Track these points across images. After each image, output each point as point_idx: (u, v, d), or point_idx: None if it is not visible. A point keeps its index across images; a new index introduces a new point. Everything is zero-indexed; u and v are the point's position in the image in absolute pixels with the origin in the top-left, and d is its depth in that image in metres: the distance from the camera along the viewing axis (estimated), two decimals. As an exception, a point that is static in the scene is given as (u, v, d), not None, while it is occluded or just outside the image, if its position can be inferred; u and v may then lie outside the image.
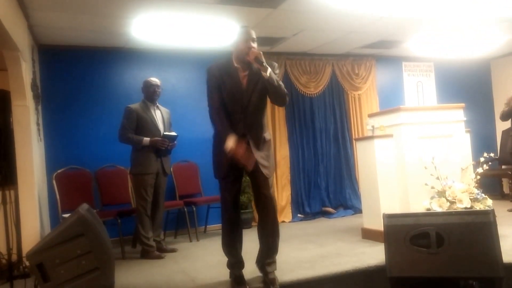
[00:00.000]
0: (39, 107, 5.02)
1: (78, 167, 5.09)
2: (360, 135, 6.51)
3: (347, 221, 5.97)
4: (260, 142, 3.24)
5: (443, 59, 7.29)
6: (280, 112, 6.42)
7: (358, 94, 6.91)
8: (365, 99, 6.94)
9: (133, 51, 5.69)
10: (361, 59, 6.95)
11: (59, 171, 4.89)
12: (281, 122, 6.46)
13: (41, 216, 4.46)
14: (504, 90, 7.32)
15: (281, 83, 3.17)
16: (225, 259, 4.13)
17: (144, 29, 4.96)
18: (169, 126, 4.71)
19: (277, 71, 3.27)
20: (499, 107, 7.62)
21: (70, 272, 2.88)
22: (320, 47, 6.35)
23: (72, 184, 4.87)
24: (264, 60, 3.05)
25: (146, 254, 4.43)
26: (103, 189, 5.09)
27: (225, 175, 3.28)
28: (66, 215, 3.79)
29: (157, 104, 4.69)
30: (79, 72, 5.48)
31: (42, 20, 4.57)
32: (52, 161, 5.14)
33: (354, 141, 6.47)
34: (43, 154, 5.13)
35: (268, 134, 3.35)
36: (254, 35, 3.18)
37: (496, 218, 3.10)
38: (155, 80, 4.64)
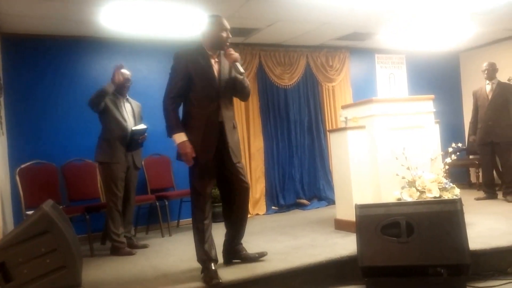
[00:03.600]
0: (1, 99, 4.82)
1: (43, 161, 4.91)
2: (334, 127, 6.54)
3: (321, 212, 5.99)
4: (232, 129, 3.34)
5: (414, 52, 7.38)
6: (254, 104, 6.38)
7: (332, 86, 6.92)
8: (339, 91, 6.96)
9: (102, 40, 5.54)
10: (335, 51, 6.96)
11: (22, 165, 4.68)
12: (255, 114, 6.42)
13: (3, 213, 4.27)
14: (472, 82, 7.46)
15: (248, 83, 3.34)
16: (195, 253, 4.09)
17: (114, 18, 4.83)
18: (139, 120, 4.60)
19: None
20: (467, 99, 7.78)
21: (34, 271, 2.78)
22: (295, 39, 6.32)
23: (36, 179, 4.69)
24: (241, 68, 3.20)
25: (116, 251, 4.31)
26: (70, 184, 4.93)
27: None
28: (30, 212, 3.67)
29: (127, 97, 4.56)
30: (45, 62, 5.29)
31: (4, 8, 4.38)
32: (15, 155, 4.96)
33: (327, 132, 6.49)
34: (6, 148, 4.94)
35: (235, 122, 3.46)
36: (228, 26, 3.24)
37: (464, 207, 3.16)
38: (125, 72, 4.49)
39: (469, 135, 6.01)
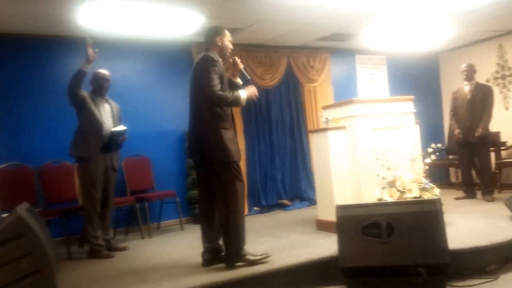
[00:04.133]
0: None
1: (19, 163, 4.81)
2: (315, 128, 6.54)
3: (302, 213, 5.99)
4: None
5: (395, 52, 7.44)
6: (235, 105, 6.35)
7: (313, 87, 6.93)
8: (320, 92, 6.98)
9: (80, 40, 5.38)
10: (316, 51, 6.97)
11: (-2, 167, 4.59)
12: (237, 115, 6.37)
13: (-21, 216, 4.18)
14: (451, 83, 7.56)
15: None
16: (176, 255, 4.06)
17: (92, 17, 4.74)
18: (118, 121, 4.51)
19: None
20: (447, 100, 7.85)
21: (8, 276, 2.70)
22: (276, 39, 6.31)
23: (13, 181, 4.60)
24: (248, 75, 3.76)
25: (95, 254, 4.24)
26: (47, 186, 4.83)
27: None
28: (6, 215, 3.57)
29: (106, 98, 4.48)
30: (21, 62, 5.17)
31: (-22, 7, 4.28)
32: (-9, 157, 4.85)
33: (309, 133, 6.49)
34: (-19, 150, 4.82)
35: None
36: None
37: (443, 206, 3.18)
38: (104, 73, 4.41)
39: (451, 131, 6.06)
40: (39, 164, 4.92)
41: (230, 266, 3.40)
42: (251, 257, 3.44)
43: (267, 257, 3.47)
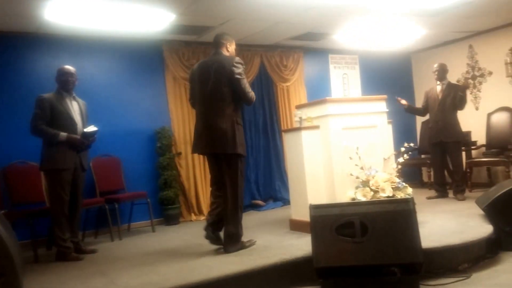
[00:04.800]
0: None
1: (-17, 164, 4.64)
2: (289, 127, 6.52)
3: (276, 213, 5.96)
4: None
5: (367, 52, 7.47)
6: (208, 104, 6.27)
7: (287, 86, 6.92)
8: (293, 91, 6.96)
9: (46, 36, 5.26)
10: (289, 51, 6.96)
11: (-39, 168, 4.41)
12: (209, 114, 6.30)
13: None
14: (423, 82, 7.67)
15: None
16: (146, 258, 3.96)
17: (59, 13, 4.58)
18: (86, 119, 4.39)
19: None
20: (419, 99, 7.97)
21: (-32, 281, 2.56)
22: (249, 38, 6.26)
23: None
24: None
25: (63, 257, 4.12)
26: (12, 187, 4.67)
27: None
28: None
29: (74, 95, 4.35)
30: (-16, 59, 4.98)
31: None
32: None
33: (282, 133, 6.46)
34: None
35: None
36: None
37: (416, 206, 3.18)
38: (68, 68, 4.29)
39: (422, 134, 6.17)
40: (4, 164, 4.75)
41: (231, 251, 3.75)
42: (244, 242, 3.88)
43: (253, 243, 3.91)
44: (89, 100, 4.56)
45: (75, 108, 4.29)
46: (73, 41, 5.39)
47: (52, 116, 4.13)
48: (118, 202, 5.06)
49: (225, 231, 3.82)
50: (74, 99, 4.33)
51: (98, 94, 5.42)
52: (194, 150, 4.05)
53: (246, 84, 3.82)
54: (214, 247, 3.96)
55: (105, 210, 4.95)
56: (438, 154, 5.92)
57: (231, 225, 3.79)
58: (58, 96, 4.20)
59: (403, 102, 5.99)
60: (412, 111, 6.45)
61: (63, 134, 4.10)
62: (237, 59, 3.84)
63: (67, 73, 4.25)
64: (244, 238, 3.93)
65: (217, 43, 3.94)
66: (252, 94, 3.85)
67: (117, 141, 5.53)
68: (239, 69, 3.78)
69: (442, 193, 5.92)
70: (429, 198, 5.94)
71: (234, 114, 3.79)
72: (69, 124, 4.18)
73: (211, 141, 3.76)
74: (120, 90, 5.71)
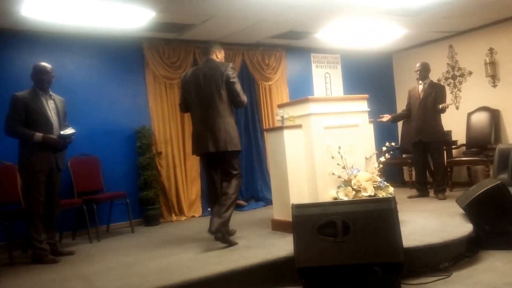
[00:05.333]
0: None
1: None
2: (271, 126, 6.49)
3: (258, 213, 5.92)
4: None
5: (349, 52, 7.51)
6: (189, 103, 6.20)
7: (269, 85, 6.89)
8: (275, 90, 6.94)
9: (24, 33, 5.11)
10: (271, 49, 6.93)
11: None
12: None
13: None
14: (404, 82, 7.73)
15: None
16: (126, 259, 3.89)
17: (37, 9, 4.46)
18: (64, 116, 4.29)
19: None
20: (400, 98, 8.04)
21: None
22: (230, 36, 6.21)
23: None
24: None
25: (39, 259, 4.03)
26: (-13, 187, 4.53)
27: None
28: None
29: (50, 93, 4.23)
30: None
31: None
32: None
33: (264, 132, 6.43)
34: None
35: None
36: None
37: (397, 205, 3.19)
38: (44, 65, 4.17)
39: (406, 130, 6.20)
40: (-23, 164, 4.61)
41: (220, 239, 3.96)
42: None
43: (235, 244, 4.00)
44: (68, 98, 4.46)
45: (51, 106, 4.18)
46: (51, 37, 5.26)
47: (27, 116, 4.03)
48: (97, 202, 4.96)
49: (222, 216, 3.97)
50: (51, 97, 4.22)
51: (76, 92, 5.31)
52: (195, 151, 4.28)
53: (240, 87, 4.14)
54: (196, 248, 3.92)
55: (83, 211, 4.85)
56: (419, 153, 5.95)
57: (229, 211, 4.02)
58: (33, 95, 4.09)
59: (385, 118, 6.03)
60: (397, 119, 6.50)
61: (39, 135, 4.00)
62: (231, 64, 4.18)
63: (42, 71, 4.14)
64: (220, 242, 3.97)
65: (208, 51, 4.25)
66: (245, 97, 4.20)
67: (96, 140, 5.43)
68: (234, 74, 4.13)
69: (423, 192, 5.95)
70: (410, 197, 5.97)
71: (233, 115, 4.17)
72: (44, 124, 4.08)
73: (215, 141, 4.02)
74: (99, 88, 5.60)
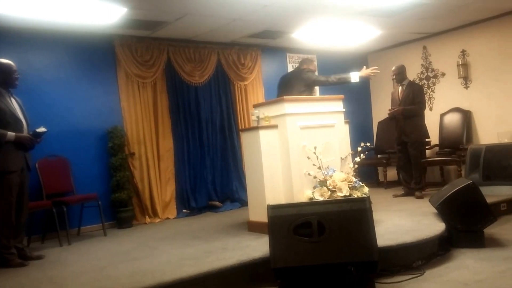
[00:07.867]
0: None
1: None
2: (247, 126, 6.45)
3: (234, 214, 5.88)
4: None
5: (325, 52, 7.53)
6: (163, 102, 6.11)
7: (244, 85, 6.84)
8: (251, 90, 6.90)
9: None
10: (247, 49, 6.89)
11: None
12: (164, 113, 6.14)
13: None
14: (380, 82, 7.78)
15: None
16: (98, 263, 3.80)
17: (2, 2, 4.31)
18: (26, 115, 4.15)
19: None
20: (376, 99, 8.12)
21: None
22: (205, 34, 6.14)
23: None
24: None
25: (6, 263, 3.88)
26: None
27: None
28: None
29: (11, 92, 4.08)
30: None
31: None
32: None
33: (240, 132, 6.38)
34: None
35: None
36: None
37: (372, 205, 3.21)
38: (10, 62, 4.02)
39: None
40: None
41: None
42: None
43: None
44: (35, 97, 4.35)
45: (15, 105, 4.04)
46: (17, 33, 5.06)
47: None
48: (67, 205, 4.81)
49: None
50: (12, 95, 4.08)
51: (44, 90, 5.15)
52: None
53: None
54: (170, 249, 3.85)
55: (52, 214, 4.70)
56: (403, 153, 6.00)
57: None
58: None
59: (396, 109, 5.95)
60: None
61: (11, 134, 3.86)
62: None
63: (12, 69, 3.99)
64: (199, 240, 3.84)
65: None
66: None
67: (66, 141, 5.27)
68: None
69: (409, 191, 5.98)
70: (395, 196, 6.03)
71: None
72: (14, 123, 3.93)
73: None
74: (69, 87, 5.43)
